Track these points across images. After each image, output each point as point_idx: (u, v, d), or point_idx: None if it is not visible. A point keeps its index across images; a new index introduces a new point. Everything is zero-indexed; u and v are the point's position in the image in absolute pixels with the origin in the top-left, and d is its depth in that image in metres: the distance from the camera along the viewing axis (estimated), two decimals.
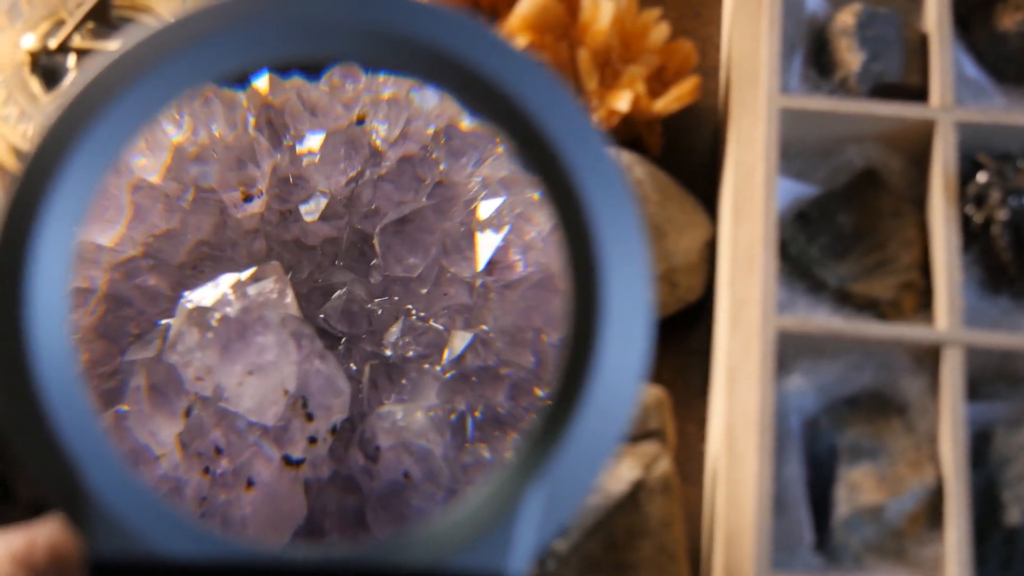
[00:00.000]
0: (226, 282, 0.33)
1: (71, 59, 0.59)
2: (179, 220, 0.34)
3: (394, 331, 0.35)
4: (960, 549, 0.44)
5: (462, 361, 0.34)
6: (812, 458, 0.46)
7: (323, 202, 0.35)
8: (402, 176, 0.35)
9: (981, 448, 0.46)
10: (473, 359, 0.36)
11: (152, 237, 0.34)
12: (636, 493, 0.46)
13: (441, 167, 0.35)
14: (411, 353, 0.34)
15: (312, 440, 0.33)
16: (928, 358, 0.48)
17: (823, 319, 0.48)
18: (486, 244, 0.36)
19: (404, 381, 0.35)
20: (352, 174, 0.35)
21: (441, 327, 0.35)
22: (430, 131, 0.36)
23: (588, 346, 0.29)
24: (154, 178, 0.34)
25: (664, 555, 0.46)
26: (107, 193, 0.34)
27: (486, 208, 0.37)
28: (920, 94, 0.55)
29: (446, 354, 0.36)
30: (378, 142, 0.36)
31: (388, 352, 0.35)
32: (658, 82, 0.57)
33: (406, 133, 0.35)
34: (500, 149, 0.38)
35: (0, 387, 0.28)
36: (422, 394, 0.35)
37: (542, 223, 0.37)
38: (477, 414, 0.36)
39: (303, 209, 0.34)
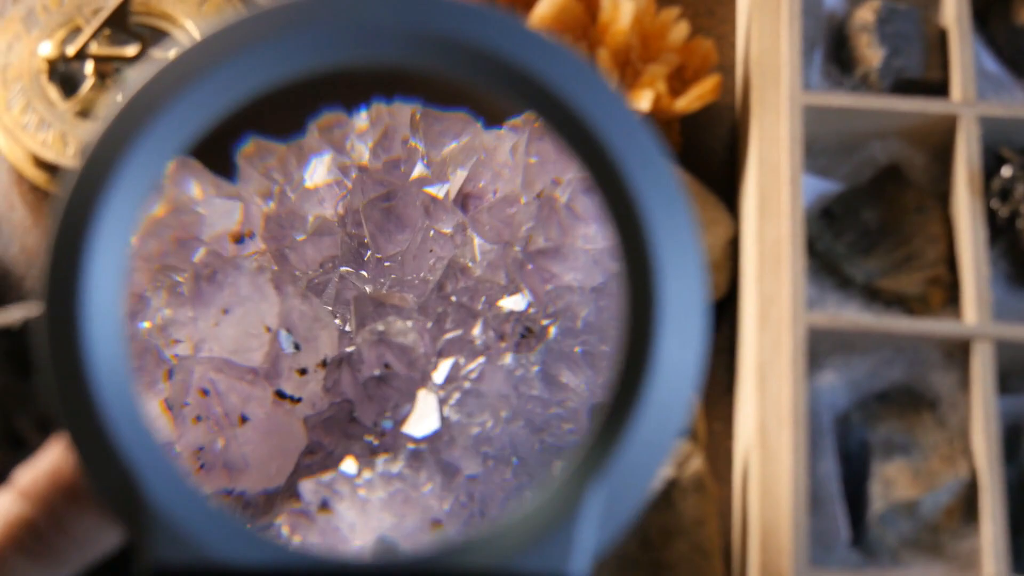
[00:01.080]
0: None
1: (88, 66, 0.59)
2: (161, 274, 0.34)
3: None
4: (996, 542, 0.44)
5: (442, 289, 0.35)
6: (844, 454, 0.46)
7: (314, 224, 0.35)
8: (390, 174, 0.35)
9: (1013, 441, 0.46)
10: (452, 286, 0.36)
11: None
12: (669, 492, 0.46)
13: (421, 149, 0.36)
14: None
15: (302, 371, 0.33)
16: (958, 352, 0.48)
17: (853, 315, 0.49)
18: (455, 182, 0.37)
19: (388, 307, 0.35)
20: (342, 193, 0.35)
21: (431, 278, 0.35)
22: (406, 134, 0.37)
23: (645, 345, 0.29)
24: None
25: (699, 553, 0.46)
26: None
27: (450, 152, 0.37)
28: (940, 89, 0.55)
29: (430, 288, 0.36)
30: (365, 160, 0.36)
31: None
32: (678, 81, 0.57)
33: (385, 145, 0.36)
34: (478, 127, 0.38)
35: (59, 399, 0.28)
36: (404, 314, 0.35)
37: (501, 146, 0.37)
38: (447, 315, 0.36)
39: (298, 239, 0.35)
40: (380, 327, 0.34)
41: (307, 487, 0.35)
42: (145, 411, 0.28)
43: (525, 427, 0.34)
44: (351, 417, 0.34)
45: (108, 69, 0.59)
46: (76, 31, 0.60)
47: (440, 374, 0.33)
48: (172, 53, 0.28)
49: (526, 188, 0.35)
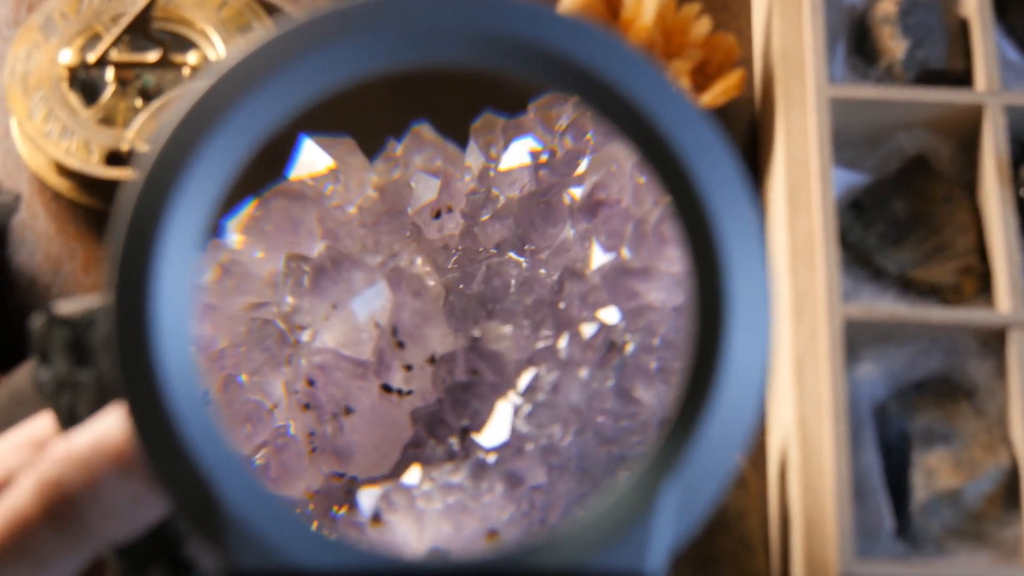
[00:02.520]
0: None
1: (109, 73, 0.58)
2: (372, 241, 0.35)
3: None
4: None
5: (559, 291, 0.35)
6: (884, 445, 0.47)
7: (501, 206, 0.36)
8: (565, 165, 0.36)
9: None
10: (569, 288, 0.36)
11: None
12: None
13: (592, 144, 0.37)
14: (500, 290, 0.36)
15: (408, 367, 0.34)
16: (993, 341, 0.48)
17: (888, 306, 0.49)
18: (587, 187, 0.37)
19: (492, 308, 0.36)
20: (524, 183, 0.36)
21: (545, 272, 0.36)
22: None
23: (716, 341, 0.29)
24: (352, 206, 0.35)
25: (742, 547, 0.46)
26: (292, 218, 0.35)
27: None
28: (963, 79, 0.55)
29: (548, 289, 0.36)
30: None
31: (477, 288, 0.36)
32: (701, 76, 0.57)
33: (574, 134, 0.36)
34: None
35: (130, 406, 0.27)
36: (510, 318, 0.36)
37: (629, 160, 0.38)
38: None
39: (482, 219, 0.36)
40: (476, 332, 0.34)
41: (364, 497, 0.35)
42: (217, 417, 0.28)
43: (594, 438, 0.34)
44: (440, 418, 0.34)
45: (129, 75, 0.58)
46: (95, 38, 0.59)
47: (522, 384, 0.34)
48: (237, 53, 0.28)
49: (635, 205, 0.36)
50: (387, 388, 0.34)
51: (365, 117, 0.40)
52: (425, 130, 0.37)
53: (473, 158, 0.37)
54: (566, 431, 0.34)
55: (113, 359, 0.27)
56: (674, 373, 0.37)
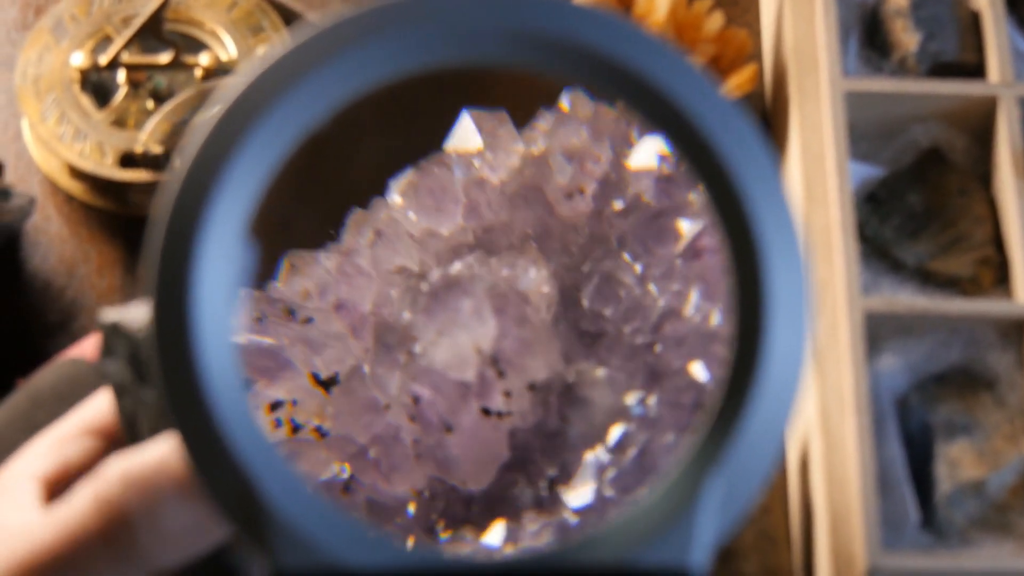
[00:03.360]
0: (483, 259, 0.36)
1: (121, 75, 0.58)
2: (508, 214, 0.36)
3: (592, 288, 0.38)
4: None
5: (658, 329, 0.36)
6: (906, 437, 0.47)
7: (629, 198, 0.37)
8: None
9: None
10: (669, 328, 0.37)
11: (482, 229, 0.36)
12: None
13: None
14: (608, 312, 0.37)
15: (508, 394, 0.34)
16: (1013, 332, 0.48)
17: (908, 298, 0.49)
18: (694, 228, 0.38)
19: (592, 342, 0.37)
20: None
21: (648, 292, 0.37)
22: None
23: (756, 335, 0.29)
24: (495, 178, 0.36)
25: (766, 539, 0.46)
26: (443, 186, 0.36)
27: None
28: (976, 71, 0.55)
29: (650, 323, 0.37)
30: None
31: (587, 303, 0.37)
32: (714, 71, 0.58)
33: None
34: None
35: (172, 407, 0.27)
36: (607, 356, 0.37)
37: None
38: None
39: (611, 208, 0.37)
40: (571, 377, 0.35)
41: (492, 536, 0.36)
42: (258, 417, 0.28)
43: None
44: (532, 459, 0.35)
45: (140, 77, 0.58)
46: (106, 40, 0.59)
47: (611, 439, 0.34)
48: (276, 51, 0.28)
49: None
50: (486, 411, 0.36)
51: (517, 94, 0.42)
52: (579, 97, 0.39)
53: (602, 148, 0.38)
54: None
55: (154, 361, 0.27)
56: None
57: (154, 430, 0.31)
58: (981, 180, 0.53)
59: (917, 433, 0.47)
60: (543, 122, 0.41)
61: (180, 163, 0.28)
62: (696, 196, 0.39)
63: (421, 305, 0.36)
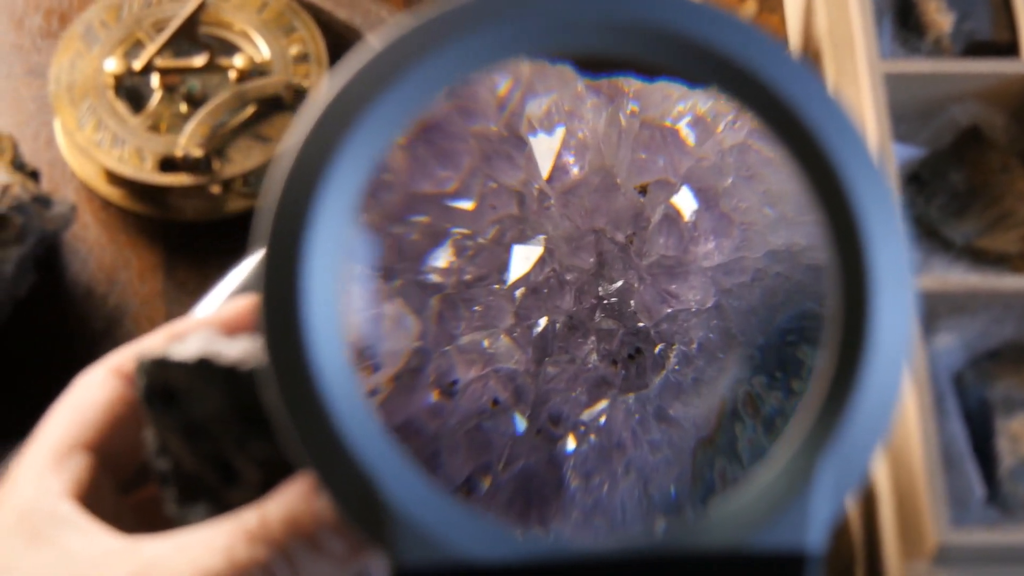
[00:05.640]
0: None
1: (155, 79, 0.58)
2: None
3: (441, 256, 0.35)
4: None
5: (528, 276, 0.35)
6: (964, 413, 0.47)
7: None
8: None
9: None
10: (537, 272, 0.36)
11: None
12: None
13: None
14: (469, 276, 0.34)
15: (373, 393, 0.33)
16: None
17: (960, 277, 0.49)
18: (542, 148, 0.36)
19: (476, 308, 0.35)
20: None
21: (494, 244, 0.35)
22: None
23: (862, 315, 0.29)
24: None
25: None
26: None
27: (534, 108, 0.36)
28: (1009, 50, 0.56)
29: (510, 273, 0.36)
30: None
31: (441, 280, 0.35)
32: None
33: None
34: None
35: (287, 409, 0.27)
36: (498, 317, 0.35)
37: (591, 118, 0.37)
38: (555, 324, 0.36)
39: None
40: (483, 344, 0.34)
41: None
42: (374, 413, 0.28)
43: (636, 480, 0.35)
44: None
45: (174, 81, 0.58)
46: (137, 45, 0.59)
47: (568, 440, 0.34)
48: (379, 42, 0.28)
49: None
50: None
51: None
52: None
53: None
54: (613, 478, 0.35)
55: (265, 356, 0.27)
56: (708, 384, 0.37)
57: (254, 455, 0.31)
58: (1021, 157, 0.54)
59: (976, 410, 0.47)
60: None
61: (293, 141, 0.28)
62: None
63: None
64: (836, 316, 0.29)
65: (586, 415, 0.36)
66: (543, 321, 0.36)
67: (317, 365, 0.28)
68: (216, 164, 0.56)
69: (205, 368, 0.30)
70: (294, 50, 0.59)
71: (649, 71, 0.38)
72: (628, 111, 0.38)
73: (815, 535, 0.28)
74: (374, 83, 0.28)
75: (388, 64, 0.28)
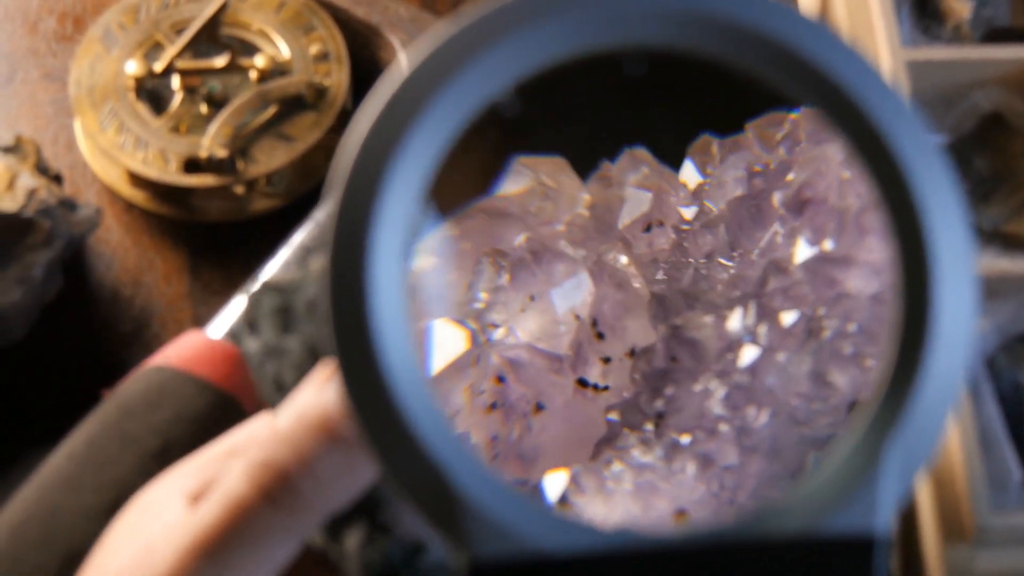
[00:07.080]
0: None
1: (175, 81, 0.58)
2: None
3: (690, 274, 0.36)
4: None
5: (763, 286, 0.35)
6: (998, 397, 0.47)
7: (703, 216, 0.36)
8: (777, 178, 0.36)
9: None
10: (773, 283, 0.36)
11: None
12: None
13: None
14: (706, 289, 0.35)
15: (606, 360, 0.33)
16: None
17: (990, 261, 0.50)
18: (794, 185, 0.36)
19: (700, 301, 0.36)
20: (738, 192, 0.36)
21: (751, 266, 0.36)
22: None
23: (925, 298, 0.29)
24: (560, 226, 0.35)
25: None
26: (495, 236, 0.35)
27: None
28: None
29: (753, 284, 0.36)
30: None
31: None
32: None
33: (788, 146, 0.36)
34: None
35: (357, 403, 0.27)
36: (711, 309, 0.35)
37: (836, 158, 0.37)
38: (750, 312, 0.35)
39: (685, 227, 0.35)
40: (678, 321, 0.34)
41: (549, 481, 0.35)
42: (442, 404, 0.28)
43: (787, 420, 0.35)
44: (635, 406, 0.34)
45: (195, 82, 0.58)
46: (156, 47, 0.59)
47: (719, 367, 0.33)
48: (436, 40, 0.28)
49: (840, 201, 0.36)
50: (583, 383, 0.34)
51: (575, 142, 0.39)
52: (641, 152, 0.37)
53: (688, 175, 0.37)
54: (761, 413, 0.34)
55: (333, 358, 0.27)
56: (869, 359, 0.37)
57: (299, 378, 0.31)
58: None
59: (1009, 393, 0.47)
60: (609, 171, 0.39)
61: (360, 127, 0.28)
62: (796, 168, 0.39)
63: (507, 278, 0.34)
64: (899, 301, 0.29)
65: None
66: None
67: (386, 361, 0.28)
68: (240, 164, 0.56)
69: None
70: (314, 49, 0.59)
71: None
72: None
73: (883, 518, 0.28)
74: (446, 67, 0.28)
75: (447, 57, 0.28)
